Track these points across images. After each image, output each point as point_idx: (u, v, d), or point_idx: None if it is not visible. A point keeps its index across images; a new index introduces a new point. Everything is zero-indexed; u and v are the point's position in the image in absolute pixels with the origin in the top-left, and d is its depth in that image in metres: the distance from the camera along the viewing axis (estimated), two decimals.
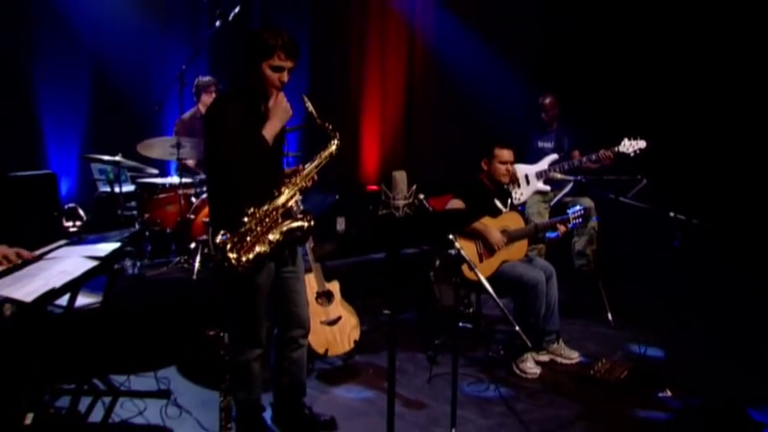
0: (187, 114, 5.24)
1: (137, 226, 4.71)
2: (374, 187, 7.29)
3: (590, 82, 5.80)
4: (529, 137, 5.18)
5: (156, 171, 4.92)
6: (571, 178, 4.09)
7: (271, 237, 2.76)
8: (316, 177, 2.92)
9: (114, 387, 3.42)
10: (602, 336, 4.46)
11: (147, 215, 4.70)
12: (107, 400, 3.29)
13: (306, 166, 2.90)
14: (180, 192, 4.56)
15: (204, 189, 4.70)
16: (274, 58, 2.70)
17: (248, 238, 2.71)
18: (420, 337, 4.36)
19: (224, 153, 2.69)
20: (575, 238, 5.09)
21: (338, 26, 7.30)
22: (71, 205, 5.60)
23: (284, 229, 2.79)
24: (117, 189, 4.80)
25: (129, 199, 5.04)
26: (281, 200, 2.81)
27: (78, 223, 5.51)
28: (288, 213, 2.83)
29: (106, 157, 4.65)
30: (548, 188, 4.95)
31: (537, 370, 3.81)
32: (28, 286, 2.60)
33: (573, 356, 4.00)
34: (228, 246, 2.69)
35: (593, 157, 4.74)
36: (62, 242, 3.49)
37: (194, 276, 4.33)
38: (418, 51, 7.50)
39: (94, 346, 3.42)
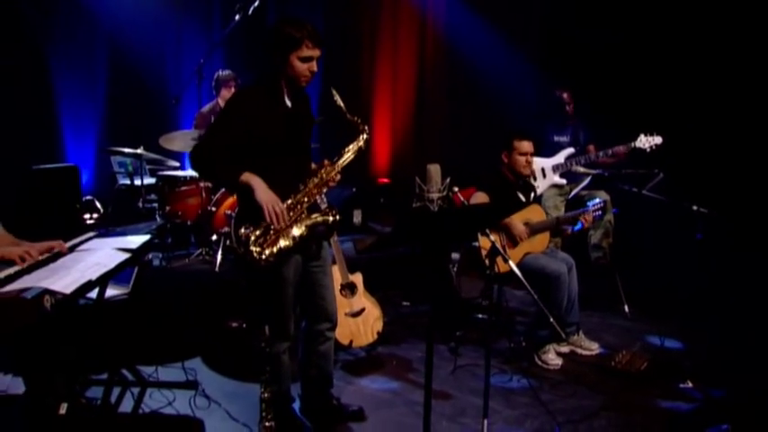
0: (206, 108, 5.26)
1: (158, 218, 4.75)
2: (385, 180, 7.33)
3: (603, 75, 5.79)
4: (545, 131, 5.20)
5: (177, 164, 4.95)
6: (594, 172, 4.12)
7: (295, 231, 2.78)
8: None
9: (143, 378, 3.46)
10: (619, 327, 4.50)
11: (168, 207, 4.73)
12: (134, 391, 3.35)
13: (333, 160, 2.92)
14: (201, 184, 4.59)
15: None
16: (303, 49, 2.70)
17: (271, 232, 2.73)
18: (439, 328, 4.39)
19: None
20: (591, 231, 5.12)
21: (351, 18, 7.30)
22: (88, 198, 5.63)
23: (309, 223, 2.81)
24: (137, 182, 4.84)
25: (150, 191, 5.08)
26: (307, 194, 2.83)
27: (95, 215, 5.54)
28: (313, 208, 2.86)
29: (128, 150, 4.68)
30: (564, 181, 4.98)
31: (559, 361, 3.85)
32: (66, 278, 2.64)
33: (593, 348, 4.05)
34: (252, 239, 2.71)
35: (609, 152, 4.76)
36: (91, 234, 3.53)
37: (216, 268, 4.37)
38: (429, 43, 7.50)
39: (123, 337, 3.47)
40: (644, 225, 4.81)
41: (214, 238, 4.59)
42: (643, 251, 5.22)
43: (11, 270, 2.87)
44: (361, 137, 2.94)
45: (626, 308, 4.61)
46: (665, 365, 3.77)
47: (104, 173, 6.23)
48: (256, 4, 4.90)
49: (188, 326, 3.90)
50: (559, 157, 4.96)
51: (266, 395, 2.50)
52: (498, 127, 6.59)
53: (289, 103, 2.86)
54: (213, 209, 4.63)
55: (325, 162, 2.90)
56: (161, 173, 4.98)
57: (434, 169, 2.66)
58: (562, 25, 6.13)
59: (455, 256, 4.85)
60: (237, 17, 4.95)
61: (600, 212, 4.00)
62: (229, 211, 4.42)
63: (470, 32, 7.04)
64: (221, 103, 5.27)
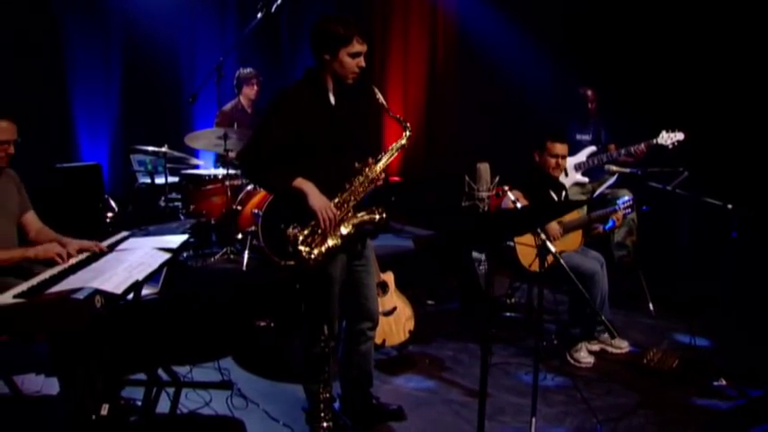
0: (228, 106, 5.24)
1: (181, 217, 4.72)
2: (396, 178, 7.31)
3: (624, 72, 5.79)
4: (568, 129, 5.20)
5: (201, 162, 4.92)
6: (627, 170, 4.12)
7: (342, 230, 2.78)
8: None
9: (178, 378, 3.45)
10: (645, 326, 4.52)
11: (192, 206, 4.71)
12: (169, 391, 3.32)
13: (377, 158, 2.91)
14: (227, 183, 4.57)
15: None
16: (353, 44, 2.71)
17: (319, 231, 2.73)
18: (467, 327, 4.41)
19: (261, 143, 2.72)
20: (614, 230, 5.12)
21: (362, 13, 7.27)
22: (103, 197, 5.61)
23: (356, 221, 2.81)
24: (158, 180, 4.81)
25: (171, 190, 5.04)
26: (353, 192, 2.82)
27: (110, 214, 5.50)
28: (359, 206, 2.86)
29: (152, 148, 4.65)
30: (586, 180, 4.99)
31: (591, 359, 3.86)
32: (114, 278, 2.62)
33: (623, 346, 4.06)
34: (300, 239, 2.72)
35: (631, 149, 4.76)
36: (125, 233, 3.52)
37: (244, 268, 4.35)
38: (441, 37, 7.43)
39: (158, 337, 3.45)
40: (669, 223, 4.82)
41: (239, 236, 4.56)
42: (668, 249, 5.23)
43: (54, 270, 2.87)
44: (404, 134, 2.93)
45: (651, 306, 4.62)
46: (696, 363, 3.79)
47: (118, 172, 6.21)
48: (279, 2, 4.87)
49: (220, 325, 3.88)
50: (581, 156, 4.97)
51: (326, 395, 2.48)
52: (515, 124, 6.61)
53: (333, 101, 2.86)
54: (239, 208, 4.61)
55: (369, 160, 2.89)
56: (185, 171, 4.95)
57: (484, 168, 2.67)
58: (581, 19, 6.09)
59: (477, 255, 4.87)
60: (260, 15, 4.92)
61: (629, 210, 4.00)
62: (256, 210, 4.40)
63: (484, 25, 6.95)
64: (243, 100, 5.25)
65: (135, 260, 2.88)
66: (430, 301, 4.83)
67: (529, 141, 3.96)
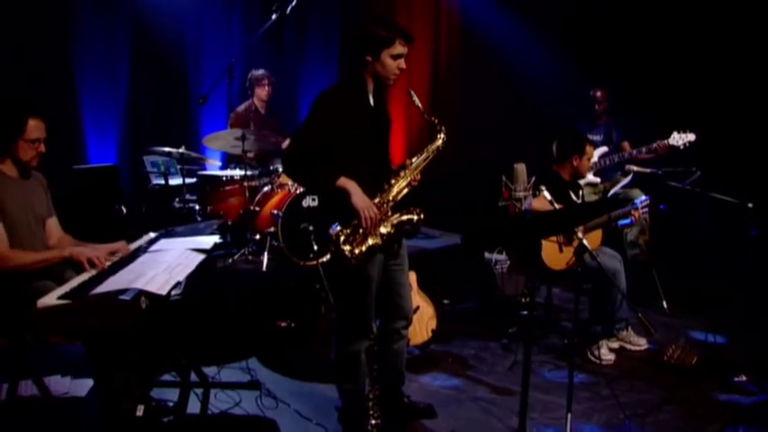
0: (242, 107, 5.24)
1: (198, 218, 4.71)
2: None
3: (634, 72, 5.86)
4: (578, 130, 5.26)
5: (219, 163, 4.91)
6: (647, 170, 4.19)
7: (383, 229, 2.82)
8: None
9: (206, 378, 3.45)
10: (660, 323, 4.57)
11: (209, 207, 4.71)
12: (195, 392, 3.32)
13: (413, 159, 2.95)
14: (245, 184, 4.57)
15: (268, 181, 4.72)
16: (396, 46, 2.75)
17: (360, 231, 2.77)
18: (486, 326, 4.45)
19: (304, 143, 2.76)
20: (626, 228, 5.19)
21: (365, 11, 7.28)
22: None
23: (395, 221, 2.85)
24: (171, 181, 4.79)
25: (184, 191, 5.02)
26: (392, 193, 2.87)
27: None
28: (398, 206, 2.89)
29: (168, 149, 4.64)
30: (598, 180, 5.05)
31: (612, 356, 3.92)
32: (156, 279, 2.62)
33: (641, 343, 4.13)
34: (342, 238, 2.75)
35: (644, 149, 4.83)
36: (152, 235, 3.51)
37: (264, 269, 4.35)
38: (443, 37, 7.45)
39: (187, 338, 3.45)
40: (683, 222, 4.88)
41: (257, 237, 4.57)
42: (681, 248, 5.31)
43: (93, 271, 2.86)
44: (438, 137, 2.97)
45: (664, 304, 4.69)
46: (714, 360, 3.86)
47: (125, 173, 6.16)
48: (294, 3, 4.88)
49: (244, 326, 3.89)
50: (593, 157, 5.02)
51: (375, 393, 2.50)
52: (521, 122, 6.64)
53: (372, 102, 2.89)
54: (256, 209, 4.61)
55: (407, 161, 2.93)
56: (202, 172, 4.94)
57: (520, 168, 2.72)
58: (590, 18, 6.14)
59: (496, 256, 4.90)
60: (274, 16, 4.92)
61: (647, 210, 4.06)
62: (276, 211, 4.41)
63: (488, 23, 6.98)
64: (256, 102, 5.26)
65: (172, 261, 2.88)
66: (446, 301, 4.87)
67: (540, 142, 4.00)
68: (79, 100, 5.86)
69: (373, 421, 2.47)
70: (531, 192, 2.76)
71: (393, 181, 2.88)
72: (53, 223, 3.24)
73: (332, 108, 2.77)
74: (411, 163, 2.93)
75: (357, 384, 3.06)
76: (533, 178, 2.90)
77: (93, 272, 2.84)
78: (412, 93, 2.94)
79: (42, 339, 3.00)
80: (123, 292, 2.45)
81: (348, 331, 2.98)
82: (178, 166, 5.39)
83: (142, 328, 2.70)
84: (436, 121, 2.97)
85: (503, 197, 3.71)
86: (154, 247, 3.17)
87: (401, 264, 3.06)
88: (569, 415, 2.89)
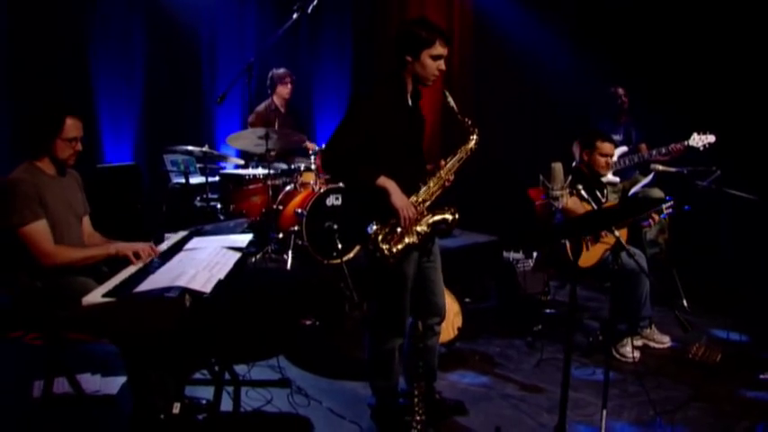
0: (262, 106, 5.25)
1: (221, 217, 4.73)
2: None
3: (654, 70, 5.87)
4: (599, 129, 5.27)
5: (242, 162, 4.92)
6: (673, 170, 4.22)
7: (419, 228, 2.85)
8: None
9: (237, 376, 3.47)
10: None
11: (232, 206, 4.72)
12: (226, 390, 3.34)
13: (447, 160, 2.98)
14: (269, 183, 4.58)
15: (291, 179, 4.74)
16: (436, 47, 2.78)
17: (398, 230, 2.79)
18: (509, 324, 4.48)
19: (344, 141, 2.78)
20: (645, 227, 5.21)
21: (378, 6, 7.30)
22: None
23: (431, 221, 2.89)
24: (192, 180, 4.80)
25: (203, 190, 5.04)
26: (428, 193, 2.91)
27: None
28: (432, 206, 2.92)
29: (190, 147, 4.65)
30: (617, 179, 5.07)
31: (636, 354, 3.95)
32: (199, 277, 2.64)
33: (665, 341, 4.15)
34: (380, 237, 2.78)
35: (663, 150, 4.84)
36: (183, 233, 3.52)
37: (288, 267, 4.37)
38: (456, 32, 7.43)
39: (219, 335, 3.47)
40: (705, 222, 4.92)
41: (280, 236, 4.58)
42: (702, 247, 5.34)
43: (132, 269, 2.88)
44: (471, 138, 2.99)
45: (684, 302, 4.72)
46: (739, 357, 3.89)
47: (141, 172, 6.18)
48: (315, 2, 4.89)
49: (273, 324, 3.91)
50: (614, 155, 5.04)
51: (421, 389, 2.53)
52: (537, 119, 6.64)
53: (410, 102, 2.91)
54: (280, 207, 4.63)
55: (441, 162, 2.96)
56: (223, 171, 4.95)
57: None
58: (602, 11, 6.14)
59: (511, 254, 4.93)
60: (295, 16, 4.93)
61: (671, 210, 4.09)
62: (300, 210, 4.43)
63: (501, 17, 6.96)
64: (276, 100, 5.27)
65: (211, 259, 2.89)
66: (467, 299, 4.88)
67: (561, 141, 4.02)
68: (96, 99, 5.88)
69: (418, 417, 2.49)
70: (567, 191, 2.79)
71: (430, 181, 2.91)
72: (86, 221, 3.27)
73: (373, 106, 2.81)
74: (445, 163, 2.96)
75: (390, 381, 3.09)
76: (570, 177, 2.93)
77: (134, 268, 2.87)
78: (447, 93, 2.96)
79: (80, 337, 3.01)
80: (168, 289, 2.47)
81: (383, 329, 3.01)
82: (197, 165, 5.41)
83: (186, 326, 2.72)
84: (470, 122, 2.99)
85: (539, 195, 3.74)
86: (188, 246, 3.18)
87: (434, 261, 3.09)
88: (604, 412, 2.90)
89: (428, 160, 3.07)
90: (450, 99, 2.95)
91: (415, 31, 2.77)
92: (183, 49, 6.40)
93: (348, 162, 2.76)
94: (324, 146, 2.90)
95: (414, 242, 2.81)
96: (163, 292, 2.45)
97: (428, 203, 2.90)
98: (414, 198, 2.85)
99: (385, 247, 2.75)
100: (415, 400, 2.48)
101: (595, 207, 3.30)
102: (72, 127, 2.96)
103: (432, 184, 2.91)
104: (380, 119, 2.78)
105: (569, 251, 3.86)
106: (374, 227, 2.76)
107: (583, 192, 2.97)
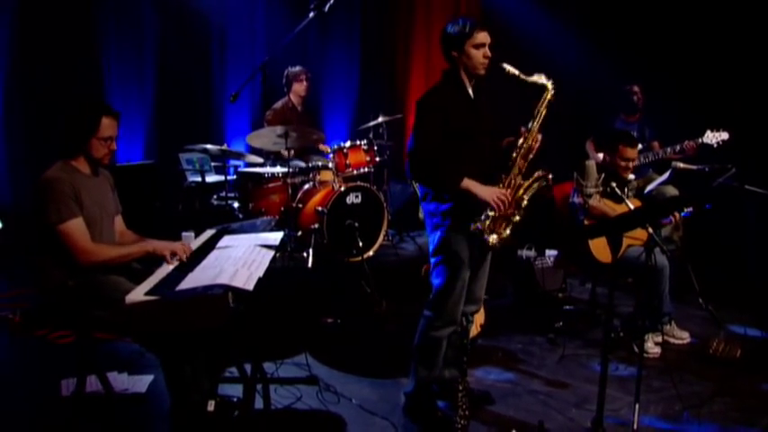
0: (279, 104, 5.25)
1: (240, 216, 4.73)
2: None
3: (670, 69, 5.90)
4: (614, 126, 5.31)
5: (260, 160, 4.91)
6: (694, 167, 4.26)
7: (523, 203, 2.92)
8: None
9: (265, 374, 3.47)
10: (699, 318, 4.63)
11: (251, 204, 4.72)
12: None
13: (529, 125, 2.98)
14: (289, 181, 4.58)
15: (309, 177, 4.75)
16: (476, 36, 2.87)
17: (497, 216, 2.86)
18: (528, 321, 4.51)
19: (426, 144, 2.83)
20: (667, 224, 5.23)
21: (387, 1, 7.31)
22: None
23: (529, 193, 2.93)
24: (208, 178, 4.80)
25: (220, 188, 5.03)
26: (517, 167, 2.95)
27: None
28: (527, 174, 2.95)
29: (207, 146, 4.64)
30: (632, 177, 5.09)
31: (658, 350, 3.99)
32: (239, 275, 2.64)
33: (684, 337, 4.19)
34: (485, 232, 2.87)
35: (677, 147, 4.88)
36: (210, 231, 3.52)
37: (309, 265, 4.38)
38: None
39: (248, 333, 3.47)
40: (718, 219, 4.96)
41: (299, 234, 4.59)
42: (716, 244, 5.38)
43: (168, 267, 2.88)
44: (547, 90, 2.99)
45: (700, 299, 4.76)
46: (759, 353, 3.93)
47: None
48: (332, 1, 4.88)
49: (299, 322, 3.92)
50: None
51: (466, 385, 2.55)
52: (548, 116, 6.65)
53: (471, 94, 2.98)
54: (299, 206, 4.64)
55: (522, 130, 2.99)
56: (241, 169, 4.95)
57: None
58: (614, 6, 6.16)
59: (524, 252, 4.95)
60: (311, 15, 4.93)
61: (692, 208, 4.12)
62: (321, 208, 4.44)
63: (509, 12, 7.00)
64: (293, 98, 5.27)
65: (247, 257, 2.90)
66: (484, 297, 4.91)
67: (571, 137, 4.03)
68: (107, 99, 5.86)
69: (461, 412, 2.51)
70: (599, 189, 2.82)
71: (515, 153, 2.95)
72: (119, 219, 3.27)
73: (438, 106, 2.88)
74: (528, 129, 2.98)
75: (432, 372, 3.12)
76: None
77: (170, 266, 2.87)
78: (505, 65, 2.97)
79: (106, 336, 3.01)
80: (211, 287, 2.47)
81: (438, 316, 3.05)
82: (212, 164, 5.40)
83: (230, 324, 2.73)
84: (539, 82, 2.98)
85: (563, 192, 3.77)
86: (221, 244, 3.18)
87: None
88: (637, 406, 2.94)
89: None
90: (508, 68, 2.96)
91: (453, 27, 2.88)
92: (193, 48, 6.40)
93: (432, 168, 2.84)
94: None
95: (518, 220, 2.89)
96: (206, 290, 2.46)
97: (520, 176, 2.94)
98: (505, 178, 2.91)
99: (493, 238, 2.85)
100: (459, 395, 2.50)
101: (630, 206, 3.31)
102: (108, 126, 2.97)
103: (517, 156, 2.93)
104: (447, 115, 2.85)
105: (592, 248, 3.91)
106: (475, 224, 2.84)
107: (617, 189, 3.00)
